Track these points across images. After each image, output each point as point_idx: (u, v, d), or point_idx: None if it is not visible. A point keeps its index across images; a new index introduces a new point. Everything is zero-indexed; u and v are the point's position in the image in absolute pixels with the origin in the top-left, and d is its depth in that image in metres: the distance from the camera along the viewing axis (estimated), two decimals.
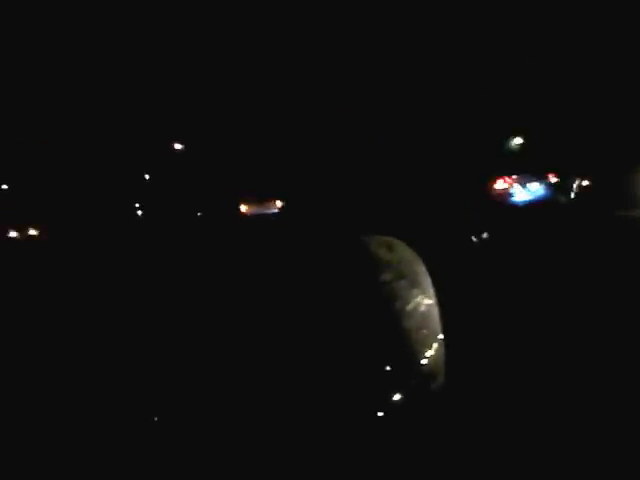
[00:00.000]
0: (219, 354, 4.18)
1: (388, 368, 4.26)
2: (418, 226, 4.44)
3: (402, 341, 4.23)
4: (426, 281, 4.25)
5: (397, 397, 4.15)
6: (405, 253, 4.28)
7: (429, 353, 4.22)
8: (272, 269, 4.27)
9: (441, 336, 4.19)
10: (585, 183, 16.03)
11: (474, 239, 4.29)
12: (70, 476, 3.41)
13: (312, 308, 4.25)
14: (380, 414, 4.11)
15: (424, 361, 4.23)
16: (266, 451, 3.87)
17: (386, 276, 4.27)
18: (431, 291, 4.25)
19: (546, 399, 4.18)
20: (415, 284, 4.28)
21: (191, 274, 4.36)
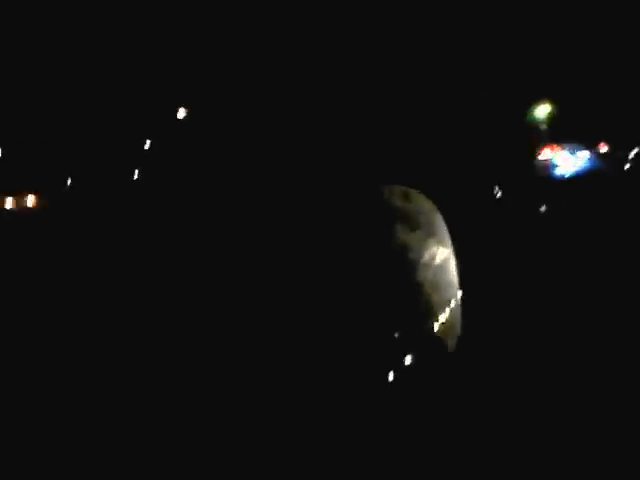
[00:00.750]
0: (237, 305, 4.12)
1: (402, 320, 4.15)
2: (436, 176, 4.29)
3: (416, 293, 4.11)
4: (443, 232, 4.12)
5: (411, 355, 4.04)
6: (422, 203, 4.14)
7: (445, 308, 4.09)
8: (284, 218, 4.17)
9: (457, 290, 4.06)
10: None
11: (498, 193, 4.11)
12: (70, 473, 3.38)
13: (325, 259, 4.15)
14: (393, 373, 4.00)
15: (441, 316, 4.11)
16: (278, 410, 3.81)
17: (401, 226, 4.14)
18: (448, 242, 4.11)
19: (567, 365, 4.01)
20: (431, 235, 4.14)
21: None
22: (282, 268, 4.11)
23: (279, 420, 3.78)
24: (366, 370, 4.03)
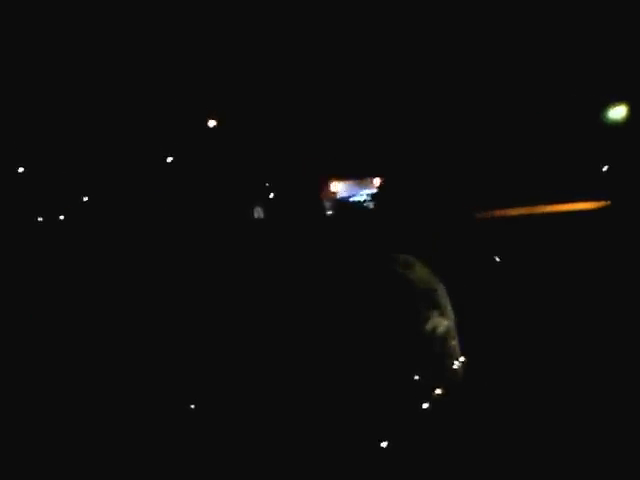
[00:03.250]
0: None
1: (402, 387, 4.15)
2: (434, 243, 4.28)
3: (422, 362, 4.10)
4: (444, 300, 4.11)
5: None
6: (422, 272, 4.14)
7: (447, 374, 4.09)
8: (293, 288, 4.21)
9: (460, 358, 4.06)
10: None
11: (497, 259, 4.08)
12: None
13: (328, 323, 4.18)
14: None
15: (441, 382, 4.09)
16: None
17: (403, 295, 4.14)
18: (449, 310, 4.10)
19: (573, 416, 3.97)
20: (432, 304, 4.14)
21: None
22: (295, 333, 4.15)
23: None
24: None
